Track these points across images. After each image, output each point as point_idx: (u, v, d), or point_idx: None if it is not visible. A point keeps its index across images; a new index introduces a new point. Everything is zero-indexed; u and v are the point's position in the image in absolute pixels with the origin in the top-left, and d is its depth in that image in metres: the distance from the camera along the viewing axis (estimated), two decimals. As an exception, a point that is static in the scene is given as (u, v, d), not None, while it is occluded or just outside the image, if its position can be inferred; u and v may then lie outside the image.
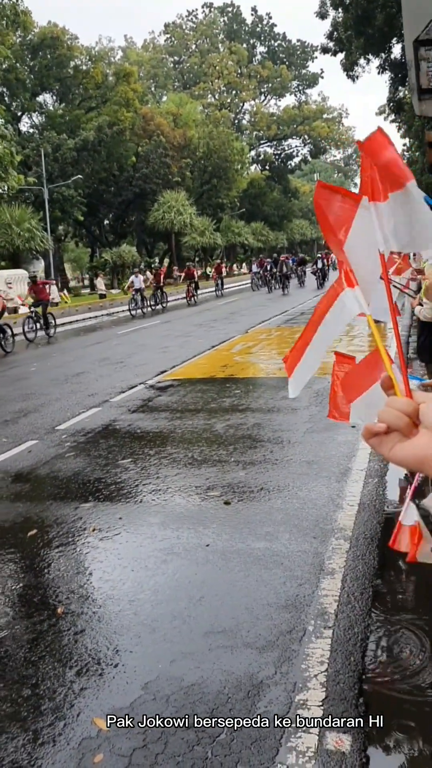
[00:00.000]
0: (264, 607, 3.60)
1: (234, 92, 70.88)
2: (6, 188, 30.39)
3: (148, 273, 33.09)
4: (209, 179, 56.88)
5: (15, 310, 25.05)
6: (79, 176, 40.27)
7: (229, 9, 73.91)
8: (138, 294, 26.21)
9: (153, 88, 68.23)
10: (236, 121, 70.68)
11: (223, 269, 35.71)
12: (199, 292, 30.07)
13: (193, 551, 4.34)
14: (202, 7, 75.25)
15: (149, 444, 7.11)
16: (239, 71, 69.49)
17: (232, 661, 3.14)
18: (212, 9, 73.72)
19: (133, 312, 25.54)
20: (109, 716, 2.79)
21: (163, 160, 48.98)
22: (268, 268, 35.28)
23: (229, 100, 70.50)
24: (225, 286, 36.36)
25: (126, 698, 2.93)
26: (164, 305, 28.34)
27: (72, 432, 7.79)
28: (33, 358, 15.32)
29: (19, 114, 47.17)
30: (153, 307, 27.39)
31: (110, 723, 2.75)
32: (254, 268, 38.16)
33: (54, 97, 49.95)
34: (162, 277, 29.03)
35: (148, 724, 2.73)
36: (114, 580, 4.02)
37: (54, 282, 34.92)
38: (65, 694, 3.00)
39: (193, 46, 72.98)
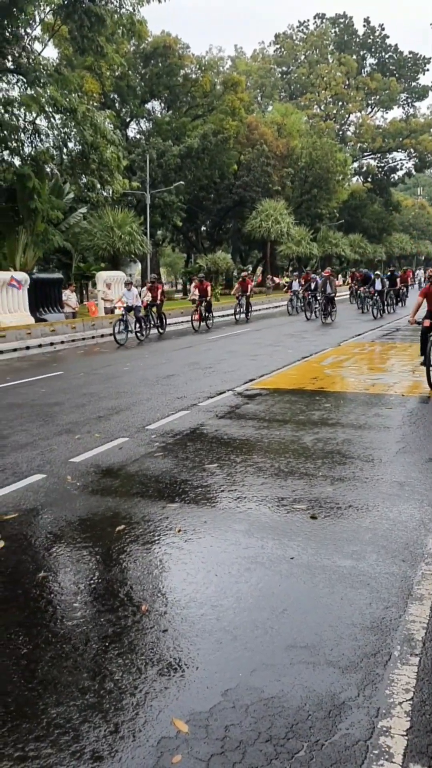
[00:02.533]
0: (348, 627, 3.53)
1: (340, 103, 70.35)
2: (111, 192, 31.33)
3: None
4: (309, 189, 56.63)
5: (112, 311, 25.76)
6: (181, 182, 41.02)
7: (341, 20, 73.46)
8: (128, 314, 19.56)
9: (259, 98, 68.64)
10: (341, 133, 70.07)
11: (250, 285, 27.00)
12: (214, 315, 24.33)
13: (277, 562, 4.31)
14: (314, 17, 74.98)
15: (235, 451, 7.13)
16: (347, 82, 68.90)
17: (314, 678, 3.10)
18: (324, 20, 73.45)
19: (119, 338, 18.60)
20: (188, 719, 2.81)
21: (264, 169, 49.19)
22: (312, 286, 27.31)
23: (334, 111, 70.03)
24: (255, 308, 28.99)
25: (205, 703, 2.94)
26: (161, 330, 21.46)
27: (161, 432, 7.92)
28: (126, 358, 15.70)
29: (128, 120, 48.58)
30: (140, 335, 19.63)
31: (189, 725, 2.77)
32: (295, 285, 30.22)
33: (162, 105, 51.15)
34: (160, 292, 21.47)
35: (227, 732, 2.73)
36: (197, 583, 4.05)
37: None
38: (146, 691, 3.04)
39: (302, 57, 72.92)
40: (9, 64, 27.66)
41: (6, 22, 24.41)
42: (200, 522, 5.04)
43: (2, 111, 28.90)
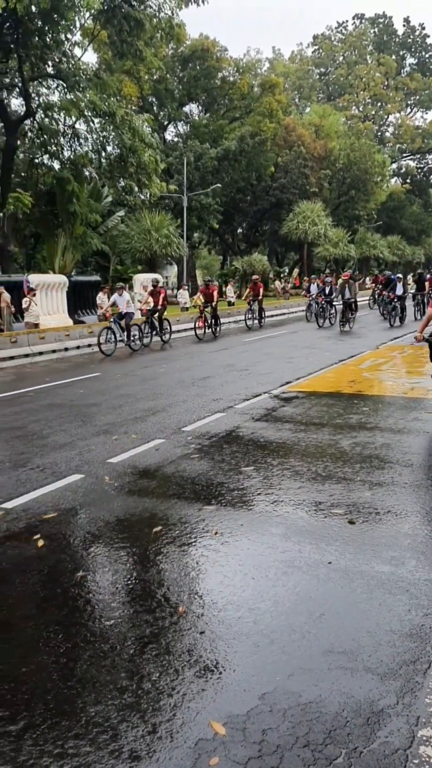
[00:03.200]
0: (387, 633, 3.49)
1: (379, 104, 69.77)
2: (148, 195, 31.57)
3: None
4: (347, 191, 56.27)
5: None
6: (218, 185, 41.12)
7: (381, 20, 72.89)
8: (118, 322, 17.63)
9: (297, 99, 68.47)
10: (379, 134, 69.49)
11: (261, 290, 25.20)
12: (221, 322, 22.44)
13: (314, 567, 4.28)
14: (353, 18, 74.75)
15: (272, 454, 7.11)
16: (386, 83, 68.31)
17: (352, 684, 3.07)
18: (363, 20, 72.96)
19: (105, 348, 16.95)
20: (225, 721, 2.82)
21: (302, 171, 49.04)
22: (327, 291, 25.09)
23: (373, 112, 69.47)
24: (269, 314, 27.99)
25: (243, 706, 2.94)
26: (164, 339, 20.12)
27: (197, 434, 7.94)
28: (162, 359, 15.79)
29: (166, 123, 48.90)
30: (133, 344, 18.11)
31: (227, 728, 2.77)
32: (313, 288, 27.81)
33: (200, 107, 51.38)
34: (162, 297, 20.07)
35: (264, 736, 2.72)
36: (234, 586, 4.05)
37: (186, 287, 35.85)
38: (184, 692, 3.05)
39: (341, 58, 72.56)
40: (49, 69, 28.09)
41: (47, 28, 24.78)
42: (237, 525, 5.04)
43: (43, 115, 29.36)
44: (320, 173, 51.78)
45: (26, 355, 15.31)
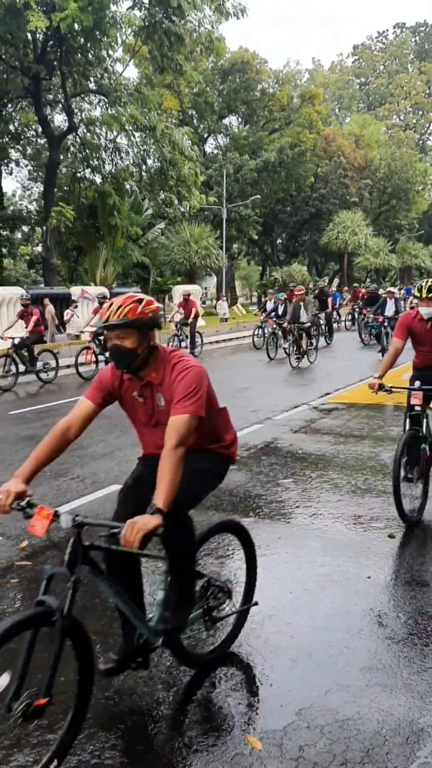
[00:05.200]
0: (427, 651, 3.43)
1: (420, 113, 69.16)
2: (188, 207, 31.84)
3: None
4: (388, 200, 55.85)
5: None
6: (257, 196, 41.23)
7: (422, 29, 72.44)
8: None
9: (337, 110, 68.36)
10: (420, 142, 68.81)
11: (195, 308, 18.92)
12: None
13: (353, 581, 4.24)
14: (394, 27, 74.24)
15: (311, 466, 7.07)
16: (428, 91, 67.68)
17: (391, 702, 3.02)
18: (404, 29, 72.54)
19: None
20: (261, 736, 2.80)
21: (341, 181, 48.87)
22: (280, 312, 18.84)
23: (414, 121, 68.87)
24: (207, 340, 20.86)
25: (279, 721, 2.92)
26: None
27: (236, 446, 7.93)
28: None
29: (206, 136, 49.29)
30: None
31: (263, 743, 2.75)
32: (269, 306, 20.44)
33: (239, 119, 51.66)
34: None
35: (301, 752, 2.70)
36: (272, 599, 4.03)
37: (225, 298, 35.99)
38: (220, 705, 3.05)
39: (381, 67, 72.26)
40: (91, 86, 28.64)
41: (89, 45, 25.30)
42: (274, 537, 5.02)
43: (84, 130, 29.90)
44: (360, 183, 51.53)
45: (68, 366, 15.51)
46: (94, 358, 14.58)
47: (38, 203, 39.13)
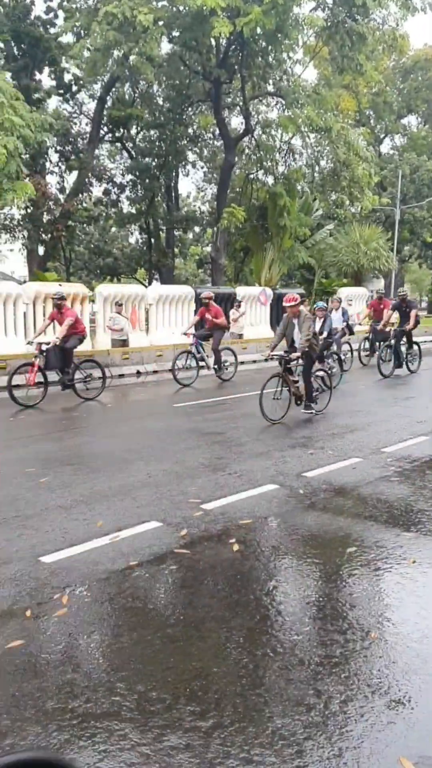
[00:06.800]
0: None
1: None
2: (360, 208, 31.29)
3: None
4: None
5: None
6: (434, 197, 39.60)
7: None
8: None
9: None
10: None
11: (219, 318, 14.63)
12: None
13: None
14: None
15: None
16: None
17: None
18: None
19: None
20: (417, 761, 2.68)
21: None
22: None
23: None
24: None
25: (436, 749, 2.78)
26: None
27: (397, 456, 7.68)
28: (363, 374, 15.49)
29: (382, 136, 48.12)
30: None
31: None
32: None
33: (419, 119, 49.87)
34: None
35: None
36: None
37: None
38: (372, 722, 2.96)
39: None
40: (270, 88, 28.97)
41: (270, 48, 25.59)
42: (436, 555, 4.80)
43: (260, 132, 30.35)
44: None
45: (231, 364, 15.85)
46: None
47: (210, 204, 40.30)
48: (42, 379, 11.75)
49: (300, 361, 10.14)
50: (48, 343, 11.77)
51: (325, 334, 13.14)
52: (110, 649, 3.61)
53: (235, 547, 4.94)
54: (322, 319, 13.36)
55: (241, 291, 23.00)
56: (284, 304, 10.20)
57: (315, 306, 13.90)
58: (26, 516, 5.62)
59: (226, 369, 14.88)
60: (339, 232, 34.77)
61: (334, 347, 14.57)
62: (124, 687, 3.21)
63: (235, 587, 4.34)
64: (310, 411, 10.28)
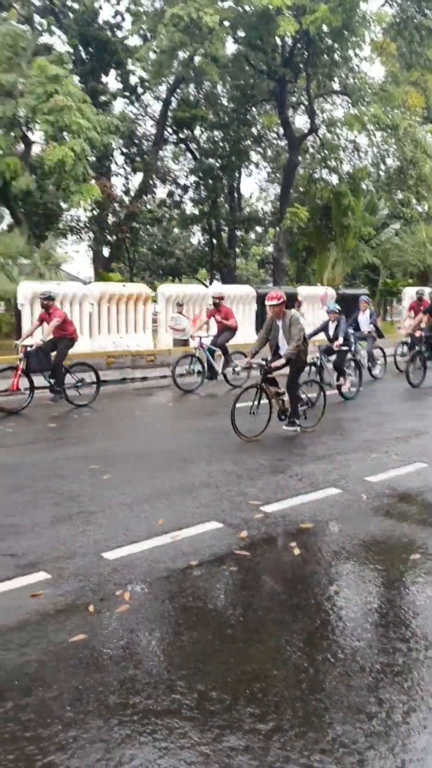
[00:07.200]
0: None
1: None
2: (427, 207, 30.61)
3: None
4: None
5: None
6: None
7: None
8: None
9: None
10: None
11: (229, 318, 13.89)
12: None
13: None
14: None
15: None
16: None
17: None
18: None
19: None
20: None
21: None
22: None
23: None
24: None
25: None
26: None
27: (464, 462, 7.48)
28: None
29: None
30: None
31: None
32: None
33: None
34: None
35: None
36: None
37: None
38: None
39: None
40: (335, 86, 28.66)
41: (336, 46, 25.29)
42: None
43: (325, 131, 30.04)
44: None
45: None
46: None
47: (273, 204, 40.10)
48: (28, 384, 10.97)
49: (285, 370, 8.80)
50: (32, 346, 11.08)
51: (340, 339, 11.62)
52: (171, 647, 3.65)
53: (296, 551, 4.91)
54: (335, 323, 11.81)
55: (302, 291, 22.84)
56: (266, 302, 8.83)
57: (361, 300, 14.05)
58: (89, 512, 5.73)
59: (237, 374, 13.61)
60: (405, 231, 34.05)
61: (361, 352, 13.70)
62: (184, 685, 3.24)
63: (295, 591, 4.32)
64: (294, 428, 8.88)
